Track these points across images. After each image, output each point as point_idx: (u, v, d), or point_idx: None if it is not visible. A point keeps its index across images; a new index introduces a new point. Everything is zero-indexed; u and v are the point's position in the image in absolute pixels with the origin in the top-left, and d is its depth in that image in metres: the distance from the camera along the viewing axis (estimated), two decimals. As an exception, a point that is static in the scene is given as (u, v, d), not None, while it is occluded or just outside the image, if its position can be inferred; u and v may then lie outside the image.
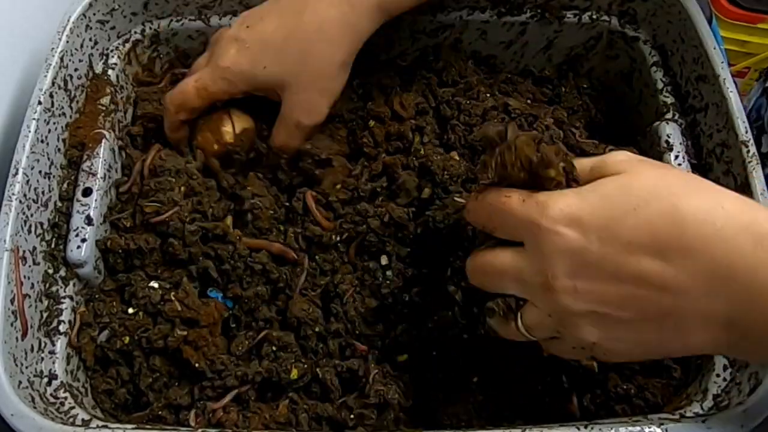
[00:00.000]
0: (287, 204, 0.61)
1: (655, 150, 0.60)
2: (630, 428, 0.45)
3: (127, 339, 0.55)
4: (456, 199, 0.56)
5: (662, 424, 0.45)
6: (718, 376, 0.50)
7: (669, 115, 0.63)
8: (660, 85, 0.65)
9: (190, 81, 0.60)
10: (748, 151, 0.55)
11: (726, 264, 0.38)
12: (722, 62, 0.60)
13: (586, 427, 0.45)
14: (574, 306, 0.41)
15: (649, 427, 0.45)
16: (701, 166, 0.60)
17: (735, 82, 0.59)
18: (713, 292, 0.38)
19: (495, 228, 0.44)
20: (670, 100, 0.64)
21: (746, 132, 0.56)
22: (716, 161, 0.58)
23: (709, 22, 0.63)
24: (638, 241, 0.39)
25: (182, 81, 0.61)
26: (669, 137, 0.60)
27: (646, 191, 0.40)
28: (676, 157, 0.59)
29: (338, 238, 0.58)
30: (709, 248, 0.38)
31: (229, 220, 0.59)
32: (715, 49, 0.60)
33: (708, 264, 0.38)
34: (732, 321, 0.39)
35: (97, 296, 0.57)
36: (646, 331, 0.41)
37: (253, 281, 0.57)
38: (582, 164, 0.44)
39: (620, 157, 0.43)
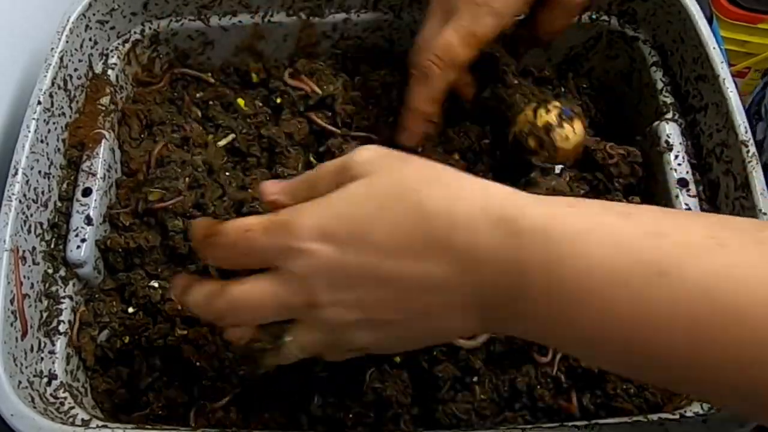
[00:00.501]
0: None
1: (655, 150, 0.60)
2: (630, 428, 0.45)
3: (127, 339, 0.55)
4: None
5: (662, 424, 0.45)
6: (718, 375, 0.50)
7: (669, 115, 0.63)
8: (660, 85, 0.65)
9: (447, 32, 0.55)
10: (748, 151, 0.55)
11: (469, 250, 0.38)
12: (722, 62, 0.60)
13: (586, 427, 0.45)
14: (341, 318, 0.40)
15: (649, 427, 0.45)
16: (701, 166, 0.60)
17: (735, 82, 0.59)
18: (462, 280, 0.39)
19: (245, 263, 0.43)
20: (669, 99, 0.64)
21: (746, 132, 0.56)
22: (716, 161, 0.58)
23: (710, 23, 0.63)
24: (390, 244, 0.39)
25: (428, 39, 0.56)
26: (669, 137, 0.60)
27: (389, 191, 0.40)
28: (676, 156, 0.59)
29: None
30: (454, 239, 0.38)
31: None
32: (715, 49, 0.60)
33: (456, 255, 0.38)
34: (486, 306, 0.39)
35: (97, 296, 0.57)
36: (414, 327, 0.41)
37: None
38: (327, 167, 0.43)
39: (364, 156, 0.42)
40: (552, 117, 0.58)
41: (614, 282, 0.36)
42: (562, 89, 0.70)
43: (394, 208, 0.39)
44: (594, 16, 0.69)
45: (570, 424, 0.46)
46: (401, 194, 0.39)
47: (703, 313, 0.34)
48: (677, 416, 0.47)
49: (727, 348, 0.34)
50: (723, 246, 0.36)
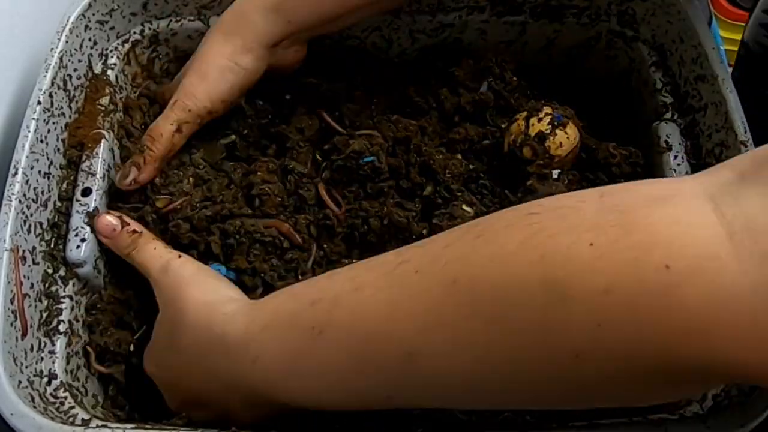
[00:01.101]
0: (299, 192, 0.60)
1: (654, 150, 0.60)
2: (630, 428, 0.45)
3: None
4: (464, 208, 0.56)
5: (662, 424, 0.45)
6: (717, 375, 0.50)
7: (668, 115, 0.63)
8: (659, 85, 0.65)
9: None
10: (747, 151, 0.55)
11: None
12: (721, 62, 0.60)
13: (586, 427, 0.45)
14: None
15: (649, 427, 0.45)
16: (700, 166, 0.60)
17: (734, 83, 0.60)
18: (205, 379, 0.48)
19: None
20: (669, 100, 0.64)
21: (745, 132, 0.56)
22: (715, 161, 0.58)
23: (709, 23, 0.63)
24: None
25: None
26: (668, 137, 0.60)
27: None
28: (675, 157, 0.59)
29: (346, 230, 0.58)
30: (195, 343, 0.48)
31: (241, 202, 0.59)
32: (714, 49, 0.60)
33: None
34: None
35: (99, 305, 0.57)
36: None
37: (260, 254, 0.56)
38: None
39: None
40: (544, 125, 0.58)
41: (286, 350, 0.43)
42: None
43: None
44: (593, 16, 0.69)
45: (570, 424, 0.46)
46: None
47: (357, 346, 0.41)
48: (677, 416, 0.47)
49: (386, 367, 0.40)
50: (359, 288, 0.41)
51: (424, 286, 0.38)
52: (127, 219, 0.56)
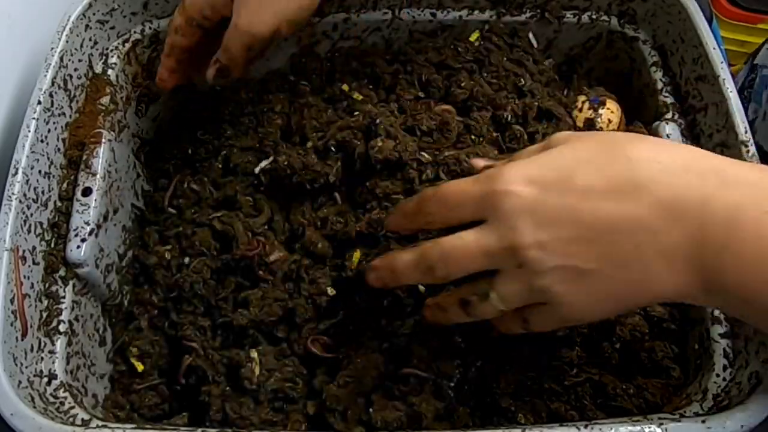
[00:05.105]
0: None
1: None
2: (630, 428, 0.45)
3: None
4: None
5: (662, 424, 0.45)
6: (717, 376, 0.50)
7: (669, 115, 0.63)
8: (660, 85, 0.65)
9: None
10: (748, 152, 0.55)
11: (675, 196, 0.40)
12: (722, 62, 0.60)
13: (586, 427, 0.45)
14: (543, 262, 0.42)
15: (649, 427, 0.45)
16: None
17: (735, 82, 0.60)
18: (668, 225, 0.40)
19: (451, 216, 0.45)
20: (669, 100, 0.64)
21: (746, 132, 0.56)
22: (716, 161, 0.58)
23: (710, 23, 0.63)
24: (592, 186, 0.41)
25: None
26: (669, 137, 0.60)
27: (594, 146, 0.43)
28: (676, 157, 0.59)
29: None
30: (659, 183, 0.40)
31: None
32: (714, 49, 0.60)
33: (659, 196, 0.40)
34: (692, 257, 0.40)
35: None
36: (614, 280, 0.42)
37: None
38: (530, 149, 0.47)
39: (564, 134, 0.45)
40: (586, 112, 0.60)
41: None
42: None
43: (598, 157, 0.42)
44: (594, 16, 0.69)
45: (570, 424, 0.46)
46: (607, 147, 0.42)
47: None
48: (677, 416, 0.47)
49: None
50: None
51: None
52: None
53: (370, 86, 0.68)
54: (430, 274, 0.46)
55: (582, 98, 0.63)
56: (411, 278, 0.48)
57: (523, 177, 0.42)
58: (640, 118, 0.66)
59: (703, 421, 0.45)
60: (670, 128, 0.61)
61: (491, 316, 0.46)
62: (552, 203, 0.41)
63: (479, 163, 0.52)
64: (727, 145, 0.57)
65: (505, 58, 0.67)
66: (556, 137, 0.45)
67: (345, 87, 0.66)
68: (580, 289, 0.42)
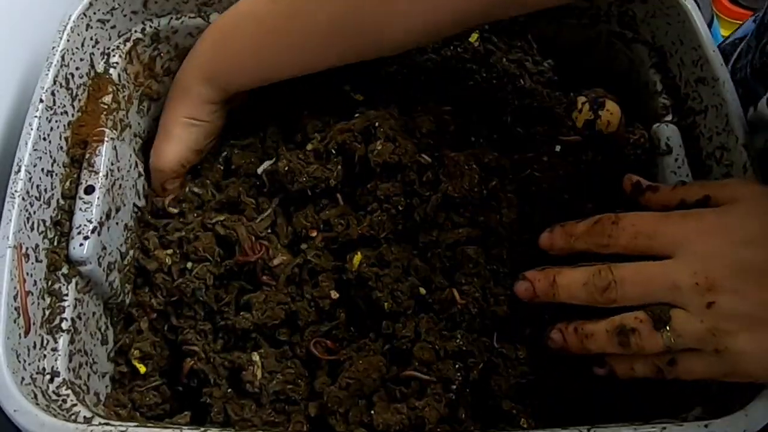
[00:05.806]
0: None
1: (654, 152, 0.61)
2: (631, 431, 0.45)
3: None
4: None
5: (664, 428, 0.45)
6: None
7: (668, 118, 0.63)
8: (659, 87, 0.65)
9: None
10: (748, 154, 0.55)
11: None
12: (722, 64, 0.60)
13: (588, 430, 0.45)
14: (734, 308, 0.42)
15: (651, 430, 0.45)
16: (701, 169, 0.60)
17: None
18: None
19: (637, 244, 0.46)
20: (669, 102, 0.64)
21: (746, 135, 0.56)
22: (716, 164, 0.58)
23: (710, 25, 0.63)
24: None
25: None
26: (668, 140, 0.60)
27: None
28: (676, 159, 0.59)
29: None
30: None
31: None
32: (714, 51, 0.60)
33: None
34: None
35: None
36: None
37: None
38: (693, 188, 0.49)
39: (739, 186, 0.47)
40: (586, 113, 0.60)
41: None
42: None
43: None
44: (593, 18, 0.69)
45: (572, 427, 0.46)
46: None
47: None
48: (679, 420, 0.47)
49: None
50: None
51: None
52: None
53: (371, 86, 0.68)
54: (599, 295, 0.46)
55: (582, 99, 0.63)
56: (571, 294, 0.48)
57: (721, 227, 0.43)
58: (640, 119, 0.66)
59: (706, 426, 0.45)
60: (669, 130, 0.61)
61: (651, 351, 0.45)
62: (753, 255, 0.42)
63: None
64: (727, 148, 0.57)
65: (504, 59, 0.67)
66: (732, 188, 0.48)
67: (346, 87, 0.66)
68: (763, 343, 0.42)
